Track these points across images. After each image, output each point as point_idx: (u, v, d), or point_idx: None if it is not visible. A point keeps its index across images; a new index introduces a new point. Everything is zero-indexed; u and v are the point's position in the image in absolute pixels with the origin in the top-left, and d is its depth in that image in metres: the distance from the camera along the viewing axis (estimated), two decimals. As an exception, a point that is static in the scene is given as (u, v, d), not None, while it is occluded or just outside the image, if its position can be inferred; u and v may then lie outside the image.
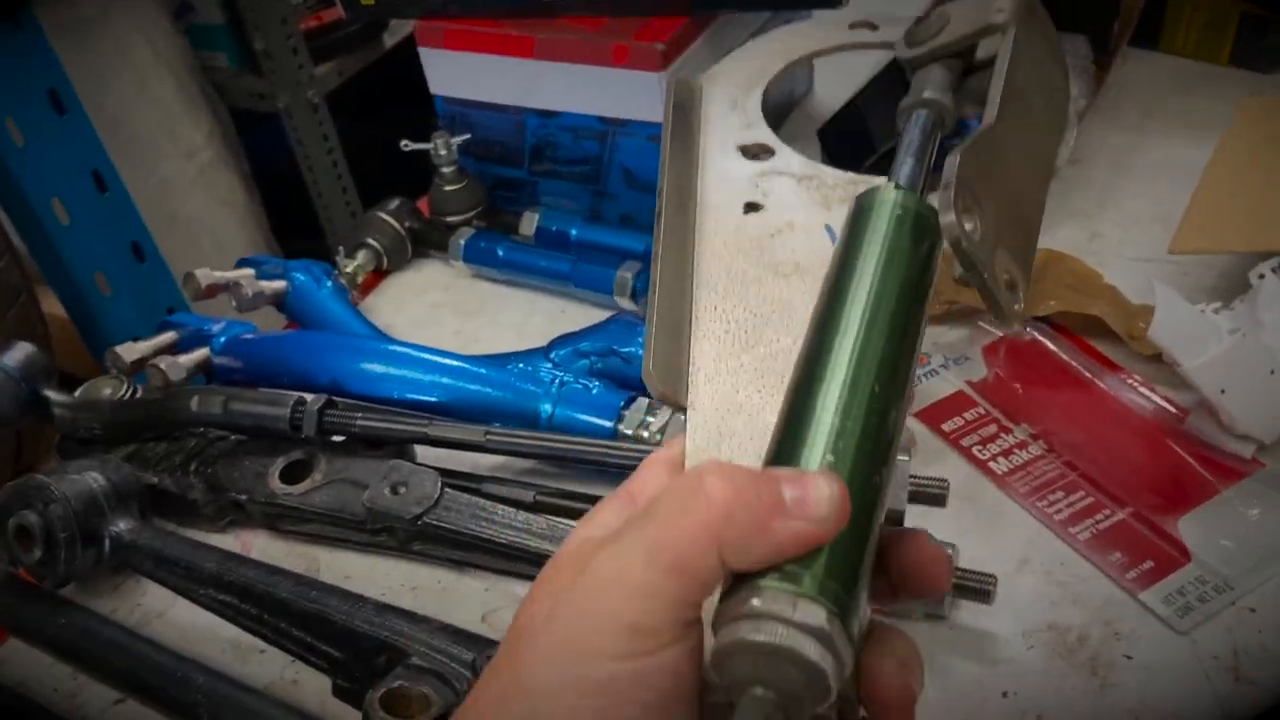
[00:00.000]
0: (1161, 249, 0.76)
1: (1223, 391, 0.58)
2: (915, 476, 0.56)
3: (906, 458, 0.56)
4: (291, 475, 0.64)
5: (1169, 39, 0.97)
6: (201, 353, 0.74)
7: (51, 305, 1.16)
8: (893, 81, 0.85)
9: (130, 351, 0.73)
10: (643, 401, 0.66)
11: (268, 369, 0.71)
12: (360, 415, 0.64)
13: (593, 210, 0.87)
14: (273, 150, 1.72)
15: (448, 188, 0.86)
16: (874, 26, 0.59)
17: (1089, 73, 0.86)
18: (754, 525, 0.27)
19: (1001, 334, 0.70)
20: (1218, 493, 0.58)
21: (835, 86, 1.02)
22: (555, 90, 0.81)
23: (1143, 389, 0.65)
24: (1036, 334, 0.69)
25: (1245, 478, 0.59)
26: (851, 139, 0.84)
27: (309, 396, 0.64)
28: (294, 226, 1.78)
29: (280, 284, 0.80)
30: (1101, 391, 0.66)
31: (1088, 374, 0.67)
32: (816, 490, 0.28)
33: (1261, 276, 0.62)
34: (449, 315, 0.84)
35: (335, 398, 0.65)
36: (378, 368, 0.68)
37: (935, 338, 0.73)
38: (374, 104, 1.90)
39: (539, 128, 0.84)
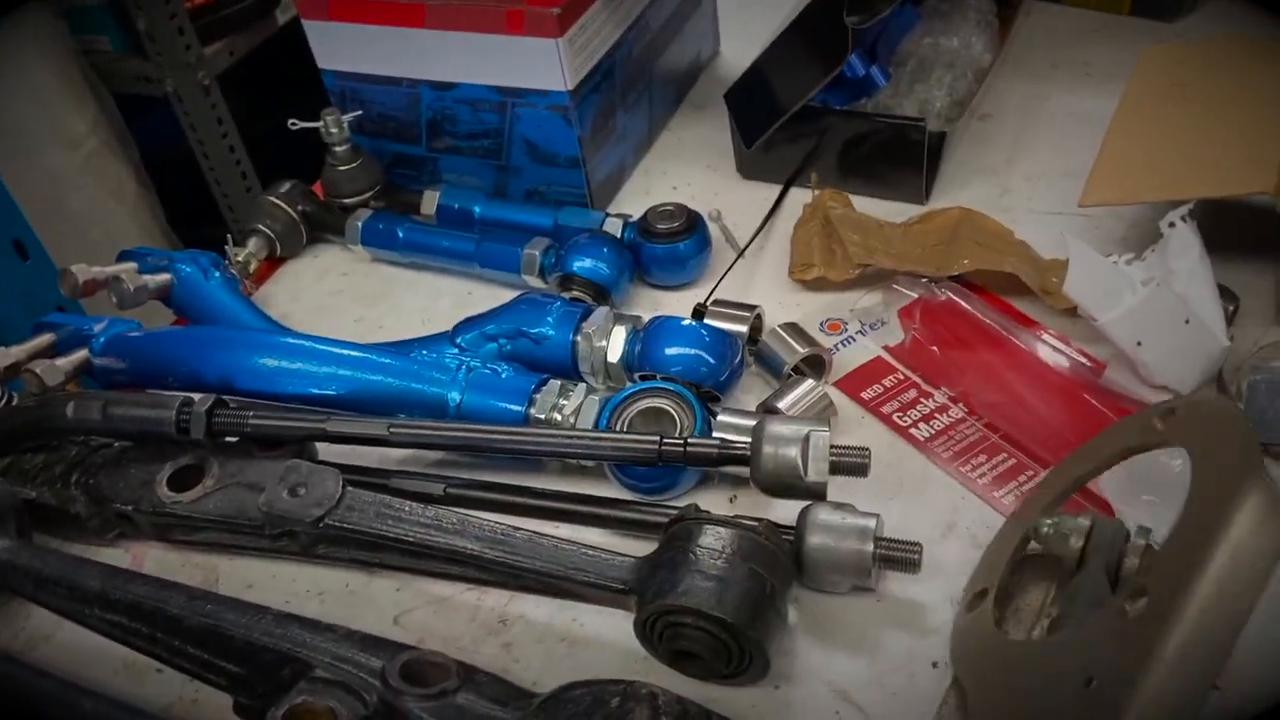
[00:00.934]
0: (1072, 202, 0.75)
1: (1139, 344, 0.57)
2: (836, 446, 0.55)
3: (826, 429, 0.55)
4: (181, 482, 0.60)
5: (1071, -11, 0.96)
6: (80, 355, 0.69)
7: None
8: (794, 40, 0.84)
9: (4, 357, 0.68)
10: (554, 384, 0.63)
11: (152, 369, 0.67)
12: (253, 414, 0.60)
13: (497, 186, 0.84)
14: (165, 137, 1.64)
15: (341, 168, 0.82)
16: None
17: (993, 26, 0.85)
18: None
19: (917, 295, 0.69)
20: (1141, 446, 0.58)
21: (743, 48, 0.99)
22: (449, 61, 0.77)
23: (1059, 345, 0.64)
24: (951, 294, 0.68)
25: (1163, 429, 0.59)
26: (759, 103, 0.82)
27: (196, 397, 0.60)
28: (193, 215, 1.70)
29: (165, 277, 0.75)
30: (1018, 349, 0.65)
31: (1004, 332, 0.66)
32: None
33: (1171, 225, 0.61)
34: (349, 302, 0.80)
35: (225, 397, 0.61)
36: (271, 362, 0.64)
37: (849, 303, 0.72)
38: (270, 83, 1.82)
39: (434, 101, 0.81)
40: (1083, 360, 0.63)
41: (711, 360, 0.63)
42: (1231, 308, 0.62)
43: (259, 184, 1.68)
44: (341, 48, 0.80)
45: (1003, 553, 0.52)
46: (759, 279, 0.76)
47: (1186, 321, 0.58)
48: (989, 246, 0.70)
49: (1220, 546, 0.38)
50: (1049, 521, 0.49)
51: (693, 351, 0.63)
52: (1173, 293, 0.58)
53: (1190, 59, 0.74)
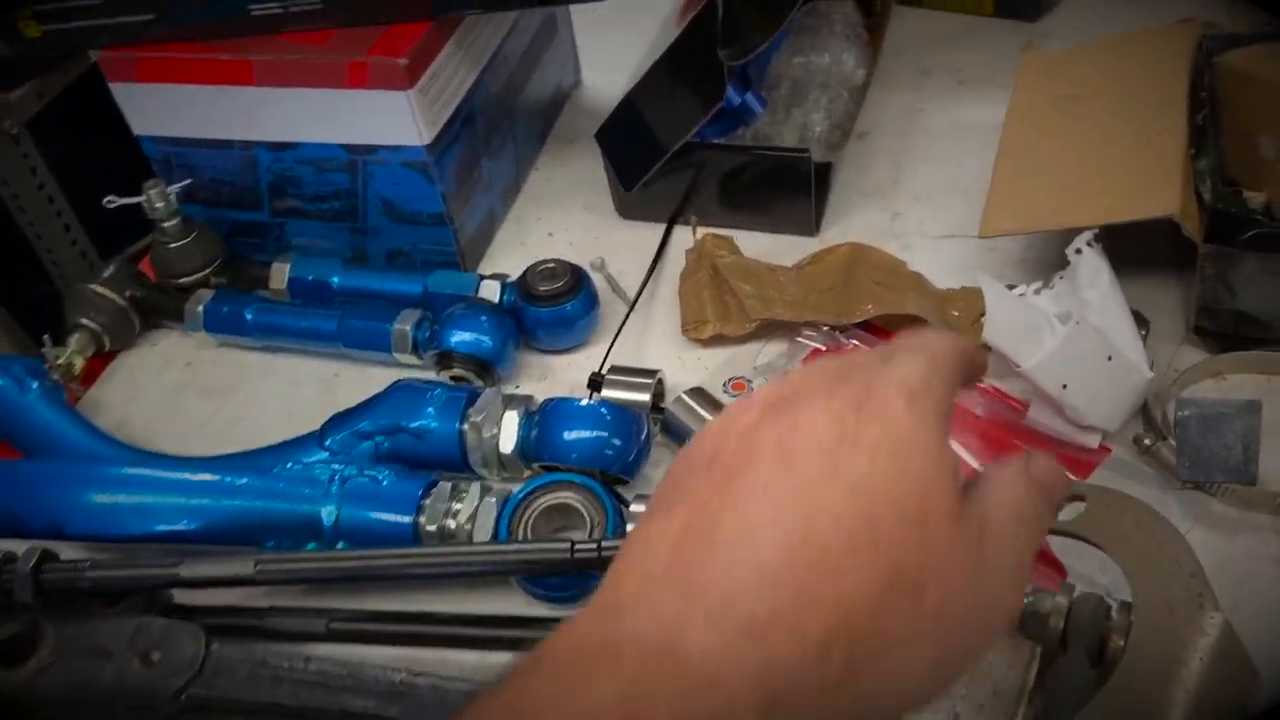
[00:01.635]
0: (963, 222, 0.73)
1: (1064, 386, 0.55)
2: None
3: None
4: (11, 654, 0.50)
5: (931, -8, 0.94)
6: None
7: None
8: (666, 73, 0.79)
9: None
10: (444, 486, 0.57)
11: (-37, 514, 0.57)
12: (90, 566, 0.51)
13: (354, 250, 0.76)
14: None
15: (173, 245, 0.72)
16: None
17: (862, 38, 0.82)
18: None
19: (820, 344, 0.65)
20: (1073, 489, 0.55)
21: (605, 75, 0.94)
22: (286, 120, 0.69)
23: (978, 389, 0.61)
24: (857, 341, 0.64)
25: (1097, 467, 0.56)
26: (635, 141, 0.77)
27: (20, 549, 0.51)
28: (13, 275, 1.55)
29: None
30: (936, 394, 0.61)
31: (918, 376, 0.62)
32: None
33: (1078, 251, 0.59)
34: (196, 398, 0.71)
35: (52, 548, 0.52)
36: (106, 498, 0.55)
37: (749, 356, 0.67)
38: (89, 123, 1.67)
39: (274, 163, 0.72)
40: (1003, 403, 0.60)
41: (617, 443, 0.58)
42: (1144, 332, 0.60)
43: (84, 235, 1.53)
44: (159, 111, 0.71)
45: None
46: (653, 335, 0.70)
47: (1109, 358, 0.55)
48: (887, 285, 0.66)
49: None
50: (1026, 598, 0.45)
51: (595, 435, 0.57)
52: (1092, 329, 0.55)
53: (1069, 68, 0.72)
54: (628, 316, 0.70)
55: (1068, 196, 0.62)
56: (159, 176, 0.73)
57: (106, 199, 0.71)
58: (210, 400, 0.70)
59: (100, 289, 0.72)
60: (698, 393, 0.61)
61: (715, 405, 0.60)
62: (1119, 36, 0.73)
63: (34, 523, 0.55)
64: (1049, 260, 0.68)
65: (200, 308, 0.71)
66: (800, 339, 0.65)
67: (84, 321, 0.71)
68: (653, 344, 0.70)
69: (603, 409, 0.59)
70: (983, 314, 0.61)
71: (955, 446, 0.58)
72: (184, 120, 0.71)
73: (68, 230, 1.52)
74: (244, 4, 0.66)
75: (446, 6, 0.67)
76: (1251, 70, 0.65)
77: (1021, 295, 0.59)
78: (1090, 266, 0.58)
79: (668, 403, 0.62)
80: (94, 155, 1.64)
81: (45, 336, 0.69)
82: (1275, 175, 0.59)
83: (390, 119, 0.67)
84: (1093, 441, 0.57)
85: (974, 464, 0.58)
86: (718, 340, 0.68)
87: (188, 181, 0.73)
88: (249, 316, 0.70)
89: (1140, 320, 0.60)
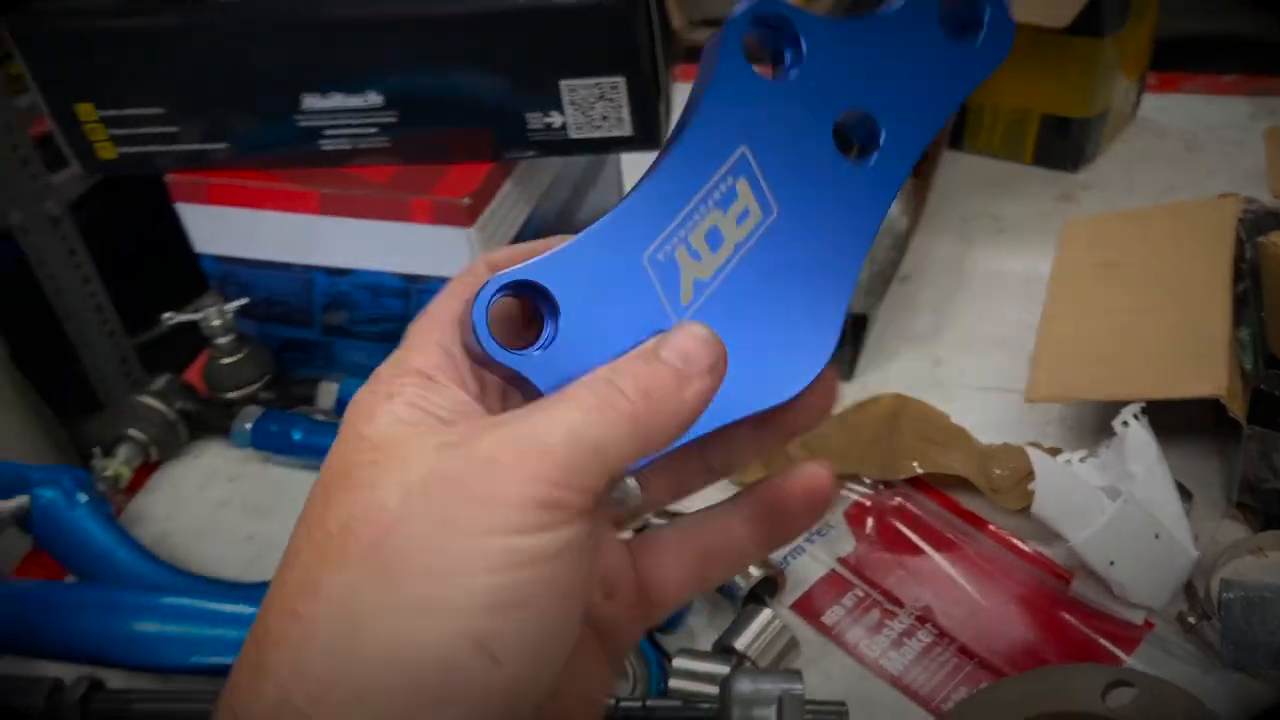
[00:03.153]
0: (1004, 375, 0.74)
1: (1112, 563, 0.55)
2: (812, 702, 0.50)
3: (800, 686, 0.50)
4: (53, 787, 0.50)
5: (973, 138, 0.97)
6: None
7: None
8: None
9: None
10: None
11: (7, 634, 0.57)
12: (137, 697, 0.51)
13: (400, 370, 0.77)
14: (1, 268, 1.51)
15: (225, 360, 0.74)
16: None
17: (907, 189, 0.84)
18: (673, 412, 0.28)
19: (863, 498, 0.65)
20: (1122, 664, 0.55)
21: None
22: (347, 248, 0.71)
23: (1021, 554, 0.61)
24: (901, 497, 0.64)
25: (1141, 643, 0.56)
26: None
27: (69, 678, 0.51)
28: (39, 351, 1.56)
29: (21, 501, 0.65)
30: (978, 558, 0.61)
31: (961, 536, 0.63)
32: (695, 342, 0.29)
33: (1125, 424, 0.60)
34: (238, 515, 0.71)
35: (100, 674, 0.52)
36: (150, 627, 0.55)
37: (792, 499, 0.67)
38: (126, 205, 1.71)
39: (330, 286, 0.74)
40: (1048, 572, 0.60)
41: (661, 594, 0.58)
42: (1188, 505, 0.61)
43: (116, 318, 1.55)
44: (223, 232, 0.73)
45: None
46: (694, 473, 0.71)
47: (1156, 536, 0.55)
48: (931, 440, 0.67)
49: None
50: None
51: (639, 585, 0.58)
52: (1140, 507, 0.55)
53: (1112, 235, 0.74)
54: (670, 455, 0.71)
55: (1112, 367, 0.63)
56: (216, 292, 0.75)
57: (165, 315, 0.73)
58: (252, 519, 0.71)
59: (150, 401, 0.73)
60: (742, 543, 0.61)
61: (759, 560, 0.61)
62: (1161, 206, 0.75)
63: (77, 648, 0.55)
64: (1089, 421, 0.69)
65: (249, 426, 0.72)
66: (846, 491, 0.65)
67: (132, 433, 0.72)
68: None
69: (648, 558, 0.59)
70: (1027, 474, 0.62)
71: (996, 610, 0.58)
72: (246, 242, 0.73)
73: (100, 311, 1.54)
74: (315, 139, 0.69)
75: (508, 150, 0.69)
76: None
77: (1068, 463, 0.59)
78: (1137, 440, 0.59)
79: (711, 551, 0.62)
80: (130, 238, 1.67)
81: (95, 449, 0.70)
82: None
83: (448, 252, 0.69)
84: (1137, 618, 0.57)
85: (1022, 637, 0.58)
86: (760, 485, 0.68)
87: (245, 301, 0.74)
88: (296, 436, 0.71)
89: (1184, 493, 0.61)
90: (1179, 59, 1.06)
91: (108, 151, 0.71)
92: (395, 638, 0.25)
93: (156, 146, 0.70)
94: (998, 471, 0.66)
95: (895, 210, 0.81)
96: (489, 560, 0.25)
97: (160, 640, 0.55)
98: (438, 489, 0.26)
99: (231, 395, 0.74)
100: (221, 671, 0.55)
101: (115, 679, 0.54)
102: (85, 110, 0.69)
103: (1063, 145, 0.93)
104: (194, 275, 0.76)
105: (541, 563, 0.26)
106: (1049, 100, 0.91)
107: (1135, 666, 0.55)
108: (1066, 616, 0.58)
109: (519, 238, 0.74)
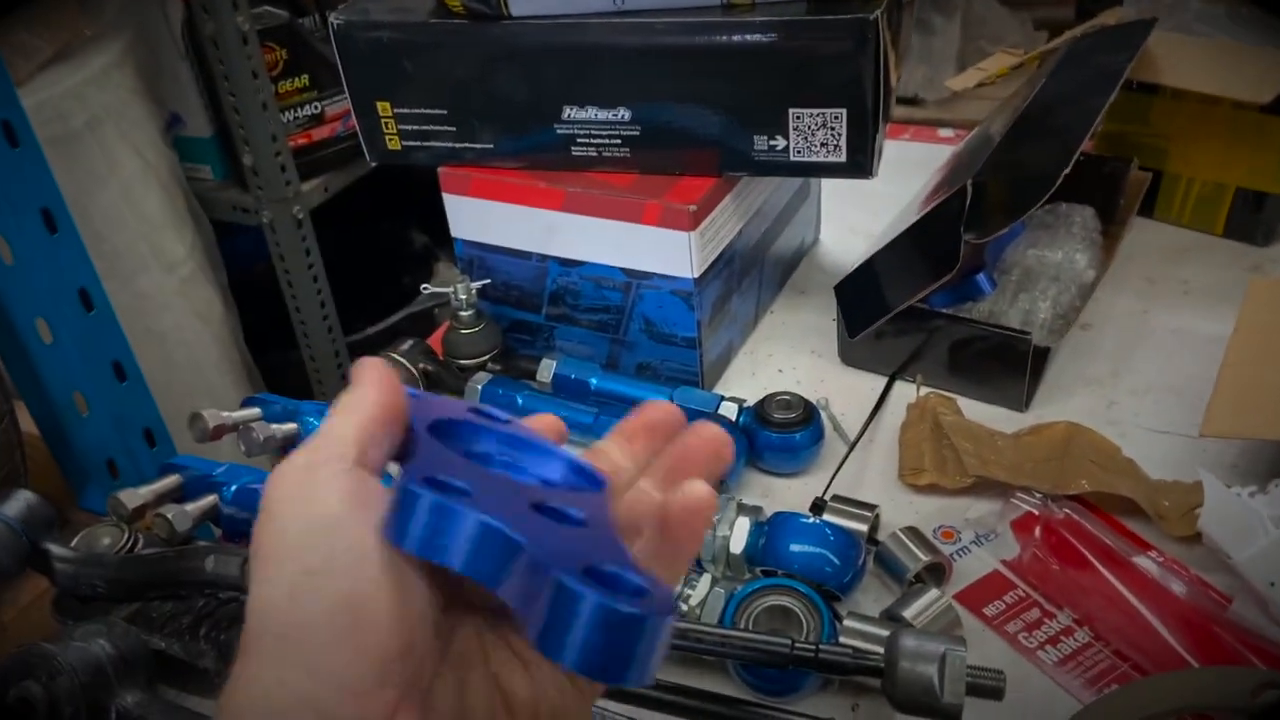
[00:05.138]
0: (1179, 421, 0.78)
1: (1272, 584, 0.58)
2: (972, 667, 0.55)
3: (963, 649, 0.55)
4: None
5: (1165, 208, 1.00)
6: (209, 501, 0.71)
7: (24, 423, 1.12)
8: (908, 244, 0.87)
9: (133, 498, 0.70)
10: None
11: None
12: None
13: (610, 358, 0.87)
14: (246, 260, 1.70)
15: (464, 331, 0.85)
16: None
17: (1097, 243, 0.88)
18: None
19: (1031, 509, 0.70)
20: (1272, 686, 0.58)
21: (842, 237, 1.04)
22: (582, 241, 0.81)
23: (1182, 574, 0.65)
24: (1070, 512, 0.69)
25: (1294, 670, 0.59)
26: (868, 298, 0.85)
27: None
28: (266, 338, 1.75)
29: (291, 427, 0.77)
30: (1139, 573, 0.65)
31: (1123, 554, 0.66)
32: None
33: (1296, 464, 0.63)
34: (463, 463, 0.81)
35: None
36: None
37: (959, 510, 0.73)
38: (352, 217, 1.89)
39: (561, 275, 0.84)
40: (1208, 593, 0.63)
41: (837, 561, 0.64)
42: (1355, 549, 0.63)
43: (335, 313, 1.73)
44: (477, 221, 0.84)
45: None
46: (868, 475, 0.77)
47: (1319, 565, 0.58)
48: (1102, 466, 0.71)
49: None
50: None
51: (818, 551, 0.64)
52: (1305, 535, 0.58)
53: (1299, 296, 0.76)
54: (849, 453, 0.77)
55: (1287, 411, 0.66)
56: (463, 273, 0.87)
57: (423, 286, 0.84)
58: (473, 467, 0.81)
59: (400, 358, 0.84)
60: (913, 532, 0.67)
61: (928, 546, 0.66)
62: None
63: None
64: (1259, 469, 0.72)
65: (479, 387, 0.82)
66: (1014, 500, 0.70)
67: (383, 383, 0.83)
68: (868, 482, 0.76)
69: (827, 529, 0.65)
70: (1194, 508, 0.65)
71: (1154, 621, 0.62)
72: (496, 230, 0.84)
73: (322, 307, 1.71)
74: (567, 146, 0.79)
75: (732, 167, 0.78)
76: None
77: (1238, 495, 0.63)
78: (1307, 478, 0.62)
79: (882, 536, 0.68)
80: (352, 245, 1.85)
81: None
82: None
83: (669, 253, 0.78)
84: (1294, 642, 0.59)
85: (1177, 647, 0.61)
86: (931, 489, 0.74)
87: (487, 281, 0.85)
88: (520, 401, 0.81)
89: (1352, 536, 0.63)
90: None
91: (394, 143, 0.83)
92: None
93: (434, 143, 0.82)
94: (1165, 503, 0.69)
95: (1082, 261, 0.86)
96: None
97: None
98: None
99: (466, 362, 0.85)
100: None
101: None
102: (383, 107, 0.82)
103: (1255, 220, 0.95)
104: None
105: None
106: (1244, 174, 0.94)
107: (1288, 689, 0.58)
108: (1222, 634, 0.61)
109: (729, 250, 0.82)
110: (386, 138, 0.83)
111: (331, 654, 0.29)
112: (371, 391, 0.34)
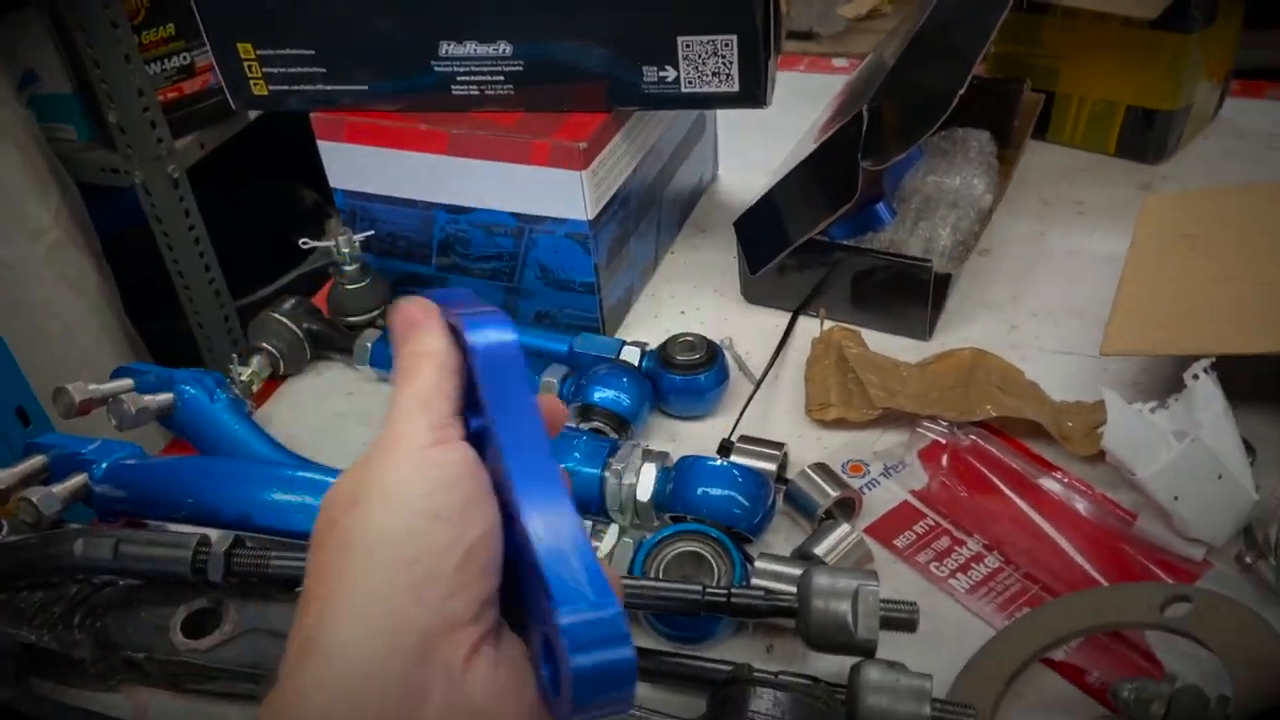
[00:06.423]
0: (1079, 341, 0.78)
1: (1175, 499, 0.58)
2: (885, 601, 0.54)
3: (875, 583, 0.54)
4: (196, 627, 0.56)
5: (1058, 130, 1.00)
6: (78, 480, 0.66)
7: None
8: (805, 176, 0.85)
9: (-7, 481, 0.65)
10: (585, 524, 0.62)
11: (161, 501, 0.64)
12: (275, 554, 0.57)
13: (505, 307, 0.83)
14: (120, 223, 1.61)
15: (350, 286, 0.80)
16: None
17: (994, 167, 0.88)
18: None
19: (938, 438, 0.69)
20: (1178, 592, 0.58)
21: (740, 173, 1.02)
22: (469, 187, 0.77)
23: (1088, 493, 0.65)
24: (976, 438, 0.68)
25: (1199, 578, 0.59)
26: (767, 233, 0.83)
27: (214, 535, 0.58)
28: (147, 306, 1.66)
29: (166, 397, 0.72)
30: (1046, 495, 0.65)
31: (1030, 477, 0.66)
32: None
33: (1195, 377, 0.63)
34: (355, 425, 0.77)
35: (243, 535, 0.58)
36: (292, 497, 0.61)
37: (867, 443, 0.72)
38: (235, 175, 1.80)
39: (449, 223, 0.80)
40: (1113, 510, 0.64)
41: (746, 503, 0.62)
42: (1252, 459, 0.64)
43: (221, 277, 1.65)
44: (356, 169, 0.80)
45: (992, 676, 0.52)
46: (775, 413, 0.76)
47: (1219, 477, 0.59)
48: (1006, 390, 0.71)
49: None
50: (1129, 685, 0.49)
51: (727, 493, 0.63)
52: (1206, 448, 0.59)
53: (1192, 210, 0.77)
54: (754, 392, 0.75)
55: (1186, 326, 0.66)
56: (344, 225, 0.82)
57: (301, 240, 0.79)
58: (368, 429, 0.77)
59: (282, 318, 0.79)
60: (821, 468, 0.66)
61: (838, 481, 0.65)
62: (1240, 186, 0.78)
63: (226, 513, 0.62)
64: (1160, 386, 0.72)
65: (369, 344, 0.78)
66: (920, 429, 0.69)
67: (265, 345, 0.79)
68: (775, 420, 0.75)
69: (735, 470, 0.64)
70: (1097, 427, 0.65)
71: (1061, 541, 0.62)
72: (377, 179, 0.79)
73: (207, 270, 1.63)
74: (447, 84, 0.75)
75: (622, 101, 0.75)
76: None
77: (1140, 412, 0.63)
78: (1205, 392, 0.62)
79: (792, 474, 0.67)
80: (233, 204, 1.76)
81: (234, 355, 0.77)
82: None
83: (562, 195, 0.75)
84: (1197, 554, 0.60)
85: (1085, 567, 0.61)
86: (839, 423, 0.73)
87: (370, 233, 0.81)
88: (412, 357, 0.77)
89: (1249, 448, 0.64)
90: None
91: (260, 88, 0.78)
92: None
93: (304, 86, 0.77)
94: (1069, 424, 0.69)
95: (979, 186, 0.85)
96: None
97: (300, 509, 0.61)
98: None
99: (353, 320, 0.81)
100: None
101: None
102: (245, 49, 0.76)
103: (1146, 137, 0.96)
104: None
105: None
106: (1134, 92, 0.94)
107: (1192, 600, 0.58)
108: (1129, 550, 0.61)
109: (624, 189, 0.79)
110: (251, 82, 0.78)
111: (440, 585, 0.33)
112: (432, 341, 0.39)
